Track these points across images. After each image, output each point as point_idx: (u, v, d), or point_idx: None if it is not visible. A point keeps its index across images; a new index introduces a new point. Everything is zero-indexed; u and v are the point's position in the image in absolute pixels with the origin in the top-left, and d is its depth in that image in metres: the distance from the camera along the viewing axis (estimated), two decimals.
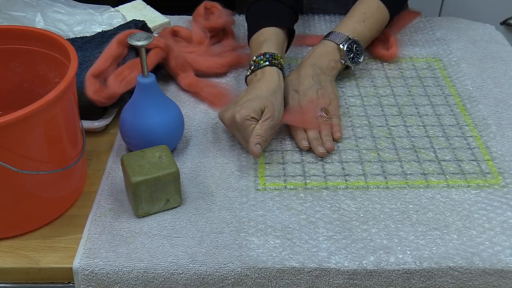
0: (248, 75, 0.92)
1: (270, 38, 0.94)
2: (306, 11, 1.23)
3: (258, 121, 0.83)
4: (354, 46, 0.99)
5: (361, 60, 1.01)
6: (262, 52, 0.91)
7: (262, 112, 0.83)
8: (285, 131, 0.91)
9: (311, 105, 0.90)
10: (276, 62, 0.90)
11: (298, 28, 1.16)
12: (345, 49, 0.98)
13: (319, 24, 1.18)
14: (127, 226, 0.75)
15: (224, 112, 0.87)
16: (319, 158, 0.86)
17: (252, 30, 0.98)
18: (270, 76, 0.88)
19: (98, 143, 0.90)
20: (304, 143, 0.87)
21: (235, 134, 0.87)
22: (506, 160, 0.86)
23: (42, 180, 0.73)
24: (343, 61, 0.99)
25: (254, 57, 0.91)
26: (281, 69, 0.91)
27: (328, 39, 1.00)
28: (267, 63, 0.89)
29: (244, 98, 0.86)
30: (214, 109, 0.95)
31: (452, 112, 0.95)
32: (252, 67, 0.91)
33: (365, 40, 1.02)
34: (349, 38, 0.99)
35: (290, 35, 1.00)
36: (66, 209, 0.79)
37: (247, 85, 0.93)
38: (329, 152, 0.86)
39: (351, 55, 0.99)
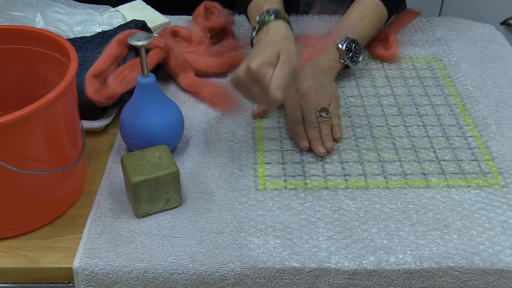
0: (254, 36, 0.87)
1: (270, 0, 0.90)
2: (302, 11, 1.23)
3: (275, 68, 0.75)
4: (353, 45, 0.99)
5: (360, 59, 1.01)
6: (265, 10, 0.86)
7: (278, 58, 0.76)
8: (285, 131, 0.91)
9: (311, 105, 0.90)
10: (282, 16, 0.84)
11: (298, 28, 1.17)
12: (344, 48, 0.98)
13: (319, 24, 1.18)
14: (127, 226, 0.75)
15: (237, 71, 0.78)
16: (319, 158, 0.86)
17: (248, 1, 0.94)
18: (278, 29, 0.82)
19: (98, 143, 0.90)
20: (304, 143, 0.87)
21: (250, 91, 0.77)
22: (506, 160, 0.86)
23: (42, 180, 0.73)
24: (342, 61, 0.99)
25: (257, 17, 0.86)
26: (289, 23, 0.85)
27: None
28: (272, 17, 0.84)
29: (256, 50, 0.79)
30: (214, 109, 0.95)
31: (452, 112, 0.95)
32: (257, 26, 0.85)
33: (364, 39, 1.02)
34: (348, 38, 0.99)
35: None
36: (66, 209, 0.79)
37: (252, 47, 0.87)
38: (329, 152, 0.86)
39: (350, 54, 0.99)
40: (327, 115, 0.89)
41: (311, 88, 0.92)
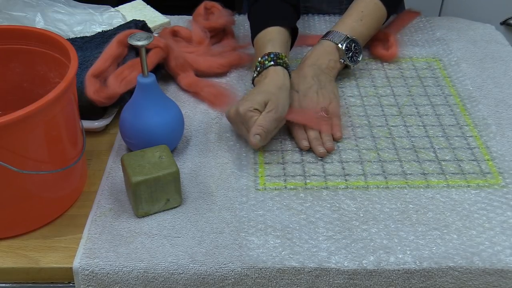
0: (255, 76, 0.92)
1: (274, 38, 0.94)
2: (302, 12, 1.23)
3: (261, 113, 0.83)
4: (353, 45, 0.99)
5: (360, 59, 1.01)
6: (267, 52, 0.91)
7: (266, 105, 0.84)
8: (285, 131, 0.91)
9: (311, 105, 0.90)
10: (281, 61, 0.90)
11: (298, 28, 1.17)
12: (343, 48, 0.98)
13: (319, 24, 1.18)
14: (127, 226, 0.75)
15: (230, 109, 0.87)
16: (319, 158, 0.86)
17: (256, 30, 0.98)
18: (275, 75, 0.88)
19: (98, 143, 0.90)
20: (304, 143, 0.87)
21: (240, 129, 0.87)
22: (506, 160, 0.86)
23: (42, 180, 0.73)
24: (342, 61, 0.99)
25: (259, 58, 0.91)
26: (287, 68, 0.90)
27: (327, 39, 1.00)
28: (272, 62, 0.89)
29: (249, 94, 0.87)
30: (214, 109, 0.95)
31: (452, 112, 0.95)
32: (258, 68, 0.91)
33: (363, 38, 1.02)
34: (348, 37, 0.99)
35: (293, 34, 1.00)
36: (66, 209, 0.79)
37: (254, 86, 0.92)
38: (329, 152, 0.86)
39: (350, 54, 0.99)
40: (327, 115, 0.89)
41: (311, 88, 0.92)
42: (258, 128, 0.82)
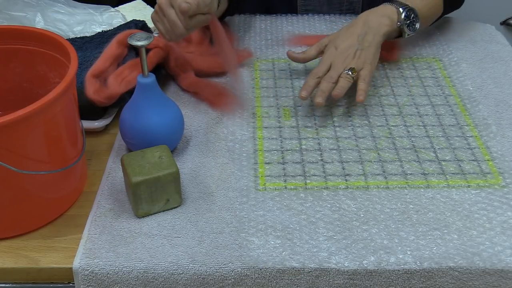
0: None
1: None
2: (300, 12, 1.23)
3: None
4: (412, 15, 0.98)
5: (417, 27, 0.99)
6: None
7: None
8: (285, 131, 0.91)
9: (342, 63, 0.90)
10: None
11: (298, 28, 1.17)
12: (403, 15, 0.97)
13: (319, 24, 1.18)
14: (127, 226, 0.75)
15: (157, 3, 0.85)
16: (319, 158, 0.86)
17: None
18: None
19: (98, 143, 0.90)
20: (304, 93, 0.87)
21: (169, 15, 0.83)
22: (506, 160, 0.86)
23: (42, 180, 0.73)
24: (399, 23, 0.97)
25: None
26: None
27: (388, 3, 0.99)
28: None
29: None
30: (214, 109, 0.95)
31: (452, 112, 0.95)
32: None
33: (421, 16, 1.00)
34: (409, 7, 0.98)
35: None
36: (66, 209, 0.79)
37: None
38: (334, 97, 0.87)
39: (408, 21, 0.98)
40: (352, 74, 0.89)
41: (351, 47, 0.92)
42: None
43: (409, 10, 0.98)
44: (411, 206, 0.78)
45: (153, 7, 1.18)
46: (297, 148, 0.88)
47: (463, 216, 0.77)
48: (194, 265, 0.70)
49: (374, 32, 0.95)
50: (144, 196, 0.74)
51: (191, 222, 0.76)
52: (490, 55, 1.09)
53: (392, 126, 0.92)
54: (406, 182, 0.82)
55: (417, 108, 0.96)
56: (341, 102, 0.97)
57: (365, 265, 0.70)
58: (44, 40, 0.79)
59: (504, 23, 1.84)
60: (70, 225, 0.76)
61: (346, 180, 0.82)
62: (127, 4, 1.20)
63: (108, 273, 0.70)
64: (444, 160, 0.86)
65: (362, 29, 0.95)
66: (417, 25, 1.00)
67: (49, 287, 0.74)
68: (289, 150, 0.88)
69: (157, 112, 0.81)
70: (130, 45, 0.78)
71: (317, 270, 0.70)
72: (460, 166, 0.85)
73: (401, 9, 0.97)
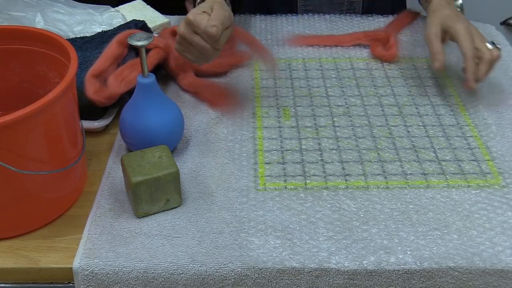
0: (199, 2, 0.91)
1: None
2: (300, 12, 1.23)
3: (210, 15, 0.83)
4: None
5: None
6: None
7: (212, 9, 0.83)
8: (285, 131, 0.91)
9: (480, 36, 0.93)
10: None
11: (298, 28, 1.17)
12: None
13: (319, 24, 1.18)
14: (127, 226, 0.75)
15: (179, 27, 0.85)
16: (319, 158, 0.86)
17: None
18: None
19: (98, 143, 0.90)
20: (438, 64, 0.92)
21: (193, 42, 0.84)
22: (506, 160, 0.86)
23: (42, 180, 0.73)
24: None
25: None
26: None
27: None
28: None
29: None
30: (214, 109, 0.95)
31: (452, 112, 0.95)
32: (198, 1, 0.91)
33: None
34: None
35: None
36: (66, 209, 0.79)
37: None
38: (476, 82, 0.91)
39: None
40: (494, 45, 0.92)
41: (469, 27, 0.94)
42: (212, 21, 0.81)
43: None
44: (411, 206, 0.78)
45: (153, 7, 1.19)
46: (297, 148, 0.88)
47: (463, 216, 0.77)
48: (194, 265, 0.70)
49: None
50: (144, 196, 0.75)
51: (191, 222, 0.76)
52: None
53: (392, 126, 0.92)
54: (406, 182, 0.82)
55: (417, 108, 0.96)
56: (341, 102, 0.97)
57: (365, 265, 0.70)
58: (44, 40, 0.79)
59: (504, 23, 1.84)
60: (70, 225, 0.76)
61: (346, 180, 0.82)
62: (127, 4, 1.20)
63: (108, 273, 0.70)
64: (444, 160, 0.86)
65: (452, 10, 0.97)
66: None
67: (49, 287, 0.74)
68: (289, 150, 0.88)
69: (157, 112, 0.81)
70: (130, 45, 0.78)
71: (317, 270, 0.70)
72: (460, 166, 0.85)
73: None
